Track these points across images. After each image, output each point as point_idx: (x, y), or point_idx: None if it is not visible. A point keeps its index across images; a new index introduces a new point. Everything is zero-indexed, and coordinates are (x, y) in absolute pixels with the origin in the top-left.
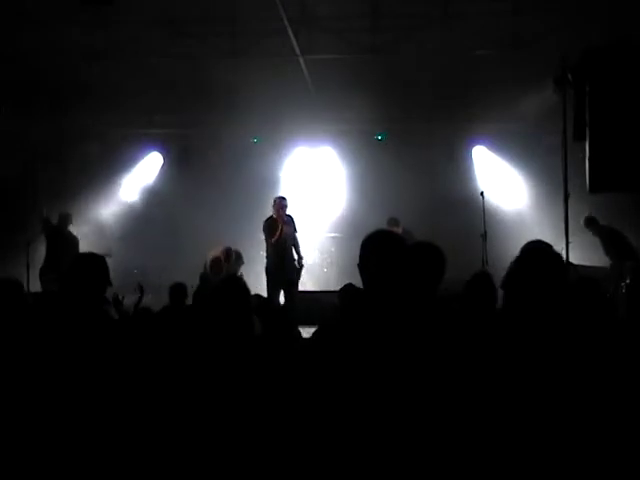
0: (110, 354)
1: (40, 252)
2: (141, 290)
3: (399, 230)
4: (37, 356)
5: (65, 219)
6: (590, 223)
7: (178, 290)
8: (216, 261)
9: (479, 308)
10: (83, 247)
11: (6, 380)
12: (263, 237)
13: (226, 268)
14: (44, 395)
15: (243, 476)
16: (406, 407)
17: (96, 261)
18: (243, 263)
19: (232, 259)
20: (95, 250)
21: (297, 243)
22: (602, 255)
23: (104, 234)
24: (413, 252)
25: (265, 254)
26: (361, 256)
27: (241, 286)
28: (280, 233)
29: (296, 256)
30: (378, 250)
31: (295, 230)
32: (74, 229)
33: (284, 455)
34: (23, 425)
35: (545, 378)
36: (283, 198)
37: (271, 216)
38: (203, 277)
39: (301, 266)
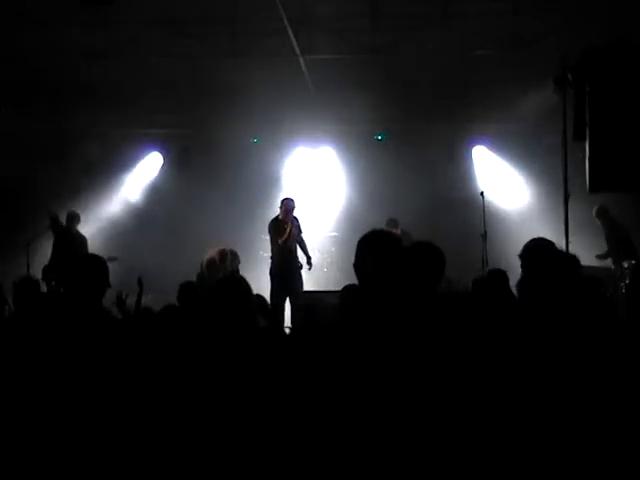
0: (111, 353)
1: (40, 252)
2: (140, 283)
3: (398, 231)
4: (39, 353)
5: (72, 219)
6: (600, 213)
7: (188, 289)
8: (211, 262)
9: (493, 305)
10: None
11: (11, 378)
12: (267, 238)
13: (222, 269)
14: (46, 396)
15: (248, 473)
16: (406, 404)
17: (96, 263)
18: (239, 263)
19: (227, 260)
20: (102, 252)
21: (304, 244)
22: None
23: (105, 234)
24: (412, 251)
25: (270, 255)
26: (357, 256)
27: (243, 285)
28: (289, 235)
29: (305, 257)
30: (374, 250)
31: (300, 231)
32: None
33: (287, 453)
34: (27, 421)
35: (546, 378)
36: (291, 200)
37: (277, 217)
38: (200, 277)
39: (310, 267)
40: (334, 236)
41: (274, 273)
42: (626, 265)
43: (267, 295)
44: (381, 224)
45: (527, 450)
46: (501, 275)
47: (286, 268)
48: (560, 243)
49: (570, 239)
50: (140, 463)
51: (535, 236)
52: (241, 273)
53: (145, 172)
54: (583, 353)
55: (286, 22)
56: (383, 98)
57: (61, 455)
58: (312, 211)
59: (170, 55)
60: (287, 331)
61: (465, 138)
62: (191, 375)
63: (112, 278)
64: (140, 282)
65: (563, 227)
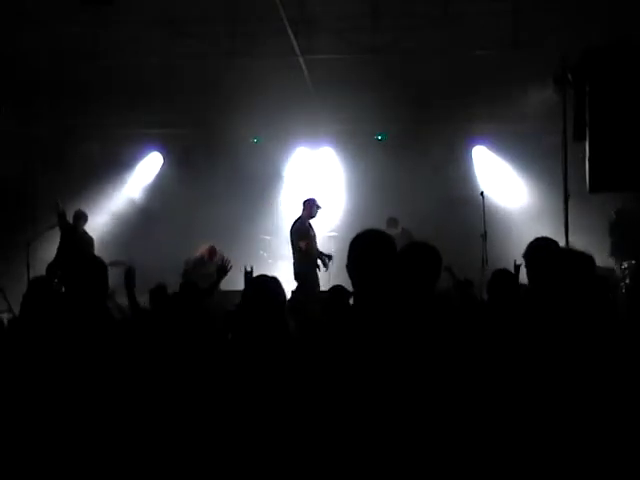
0: (113, 352)
1: (40, 252)
2: (128, 278)
3: (398, 230)
4: (42, 352)
5: (79, 218)
6: (618, 212)
7: (188, 288)
8: (199, 259)
9: (501, 305)
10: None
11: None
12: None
13: (210, 265)
14: (49, 395)
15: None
16: (404, 405)
17: (96, 265)
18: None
19: (216, 256)
20: (104, 254)
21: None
22: (600, 255)
23: (105, 235)
24: (407, 252)
25: (293, 261)
26: (349, 256)
27: (277, 286)
28: (312, 238)
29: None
30: (367, 250)
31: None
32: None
33: (290, 455)
34: (31, 419)
35: (548, 377)
36: (315, 200)
37: (300, 219)
38: (185, 276)
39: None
40: (334, 236)
41: (301, 276)
42: (626, 265)
43: None
44: (381, 224)
45: (526, 449)
46: (507, 275)
47: (312, 273)
48: (560, 243)
49: (570, 239)
50: (156, 462)
51: (535, 236)
52: (242, 274)
53: (145, 172)
54: (586, 353)
55: (286, 22)
56: (383, 98)
57: (65, 454)
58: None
59: (170, 55)
60: None
61: (465, 138)
62: (196, 374)
63: (113, 278)
64: (128, 277)
65: (563, 227)
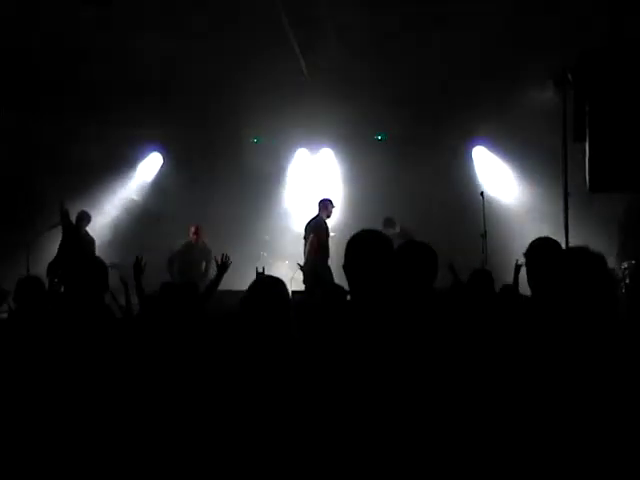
0: (110, 353)
1: (40, 252)
2: (124, 283)
3: (396, 230)
4: (39, 350)
5: (82, 219)
6: (628, 212)
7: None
8: (188, 243)
9: (480, 303)
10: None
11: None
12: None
13: (196, 249)
14: (48, 393)
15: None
16: (407, 405)
17: (97, 266)
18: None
19: (202, 233)
20: (104, 255)
21: None
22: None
23: (104, 235)
24: (403, 252)
25: (307, 259)
26: (346, 257)
27: (281, 288)
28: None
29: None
30: (364, 250)
31: None
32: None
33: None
34: (29, 418)
35: (545, 376)
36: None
37: (320, 217)
38: (170, 263)
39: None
40: (333, 237)
41: (314, 275)
42: (626, 265)
43: None
44: (380, 225)
45: (525, 444)
46: (485, 275)
47: (327, 271)
48: (560, 243)
49: (570, 239)
50: (150, 462)
51: (535, 236)
52: (242, 274)
53: (145, 172)
54: (587, 352)
55: (286, 22)
56: (383, 99)
57: (63, 454)
58: (312, 212)
59: (170, 55)
60: None
61: (465, 138)
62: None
63: (113, 279)
64: (124, 281)
65: (563, 227)
